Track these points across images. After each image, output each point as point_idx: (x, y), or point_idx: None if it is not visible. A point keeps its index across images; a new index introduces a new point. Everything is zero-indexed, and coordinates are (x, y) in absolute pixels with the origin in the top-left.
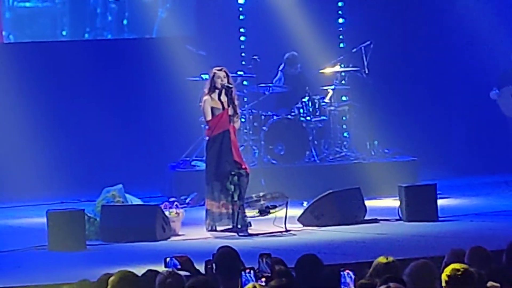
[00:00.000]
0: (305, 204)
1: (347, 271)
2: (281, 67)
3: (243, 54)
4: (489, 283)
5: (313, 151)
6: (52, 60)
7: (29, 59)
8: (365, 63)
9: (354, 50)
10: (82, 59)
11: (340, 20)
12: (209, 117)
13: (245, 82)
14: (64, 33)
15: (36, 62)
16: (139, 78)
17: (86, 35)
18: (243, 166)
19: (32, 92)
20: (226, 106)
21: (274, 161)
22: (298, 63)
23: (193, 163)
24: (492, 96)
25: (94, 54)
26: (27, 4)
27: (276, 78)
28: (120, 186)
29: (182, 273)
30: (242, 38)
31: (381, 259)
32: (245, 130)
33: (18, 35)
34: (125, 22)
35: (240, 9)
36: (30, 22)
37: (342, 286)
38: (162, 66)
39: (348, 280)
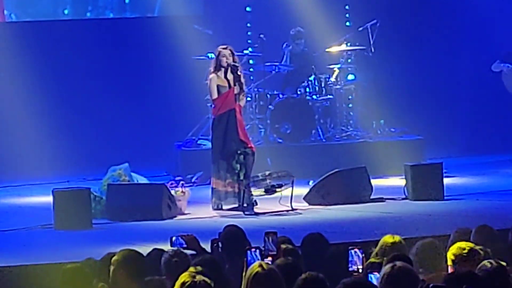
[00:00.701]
0: (311, 183)
1: (355, 249)
2: (285, 45)
3: (249, 33)
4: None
5: (319, 130)
6: (54, 39)
7: (31, 38)
8: (371, 41)
9: (361, 28)
10: (84, 38)
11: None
12: (215, 96)
13: (251, 61)
14: (66, 12)
15: (38, 41)
16: (143, 57)
17: (88, 14)
18: (249, 145)
19: (35, 71)
20: (232, 84)
21: (280, 140)
22: (302, 39)
23: (199, 142)
24: (494, 68)
25: (96, 33)
26: None
27: (283, 60)
28: (126, 165)
29: (188, 252)
30: (248, 17)
31: (388, 238)
32: (251, 109)
33: (20, 14)
34: (127, 1)
35: None
36: (32, 1)
37: (350, 264)
38: (165, 45)
39: (355, 258)
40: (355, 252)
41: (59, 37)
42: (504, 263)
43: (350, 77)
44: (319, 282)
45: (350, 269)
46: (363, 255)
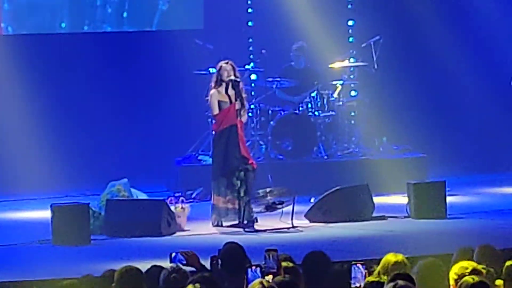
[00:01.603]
0: (312, 200)
1: (358, 264)
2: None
3: (251, 48)
4: (498, 281)
5: (321, 146)
6: (51, 52)
7: (28, 51)
8: (375, 58)
9: (364, 44)
10: (81, 51)
11: (350, 23)
12: (216, 111)
13: (253, 76)
14: (63, 25)
15: (35, 54)
16: (142, 71)
17: (85, 28)
18: (250, 161)
19: (33, 85)
20: (233, 100)
21: (281, 157)
22: (304, 54)
23: (199, 157)
24: None
25: (94, 46)
26: None
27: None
28: (126, 180)
29: (187, 268)
30: (249, 32)
31: (390, 257)
32: (252, 125)
33: (17, 27)
34: (125, 14)
35: (249, 2)
36: (29, 14)
37: (352, 281)
38: (166, 59)
39: (358, 274)
40: (358, 268)
41: (56, 50)
42: (485, 279)
43: (353, 93)
44: None
45: (353, 285)
46: (366, 271)
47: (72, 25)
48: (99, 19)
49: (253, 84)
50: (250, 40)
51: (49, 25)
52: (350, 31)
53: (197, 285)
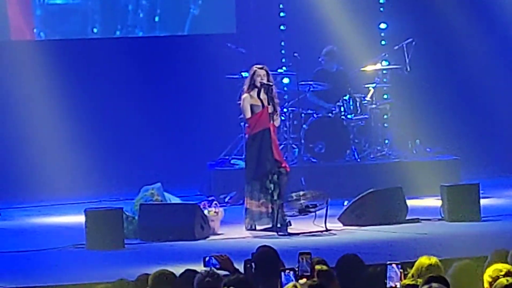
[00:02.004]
0: (345, 203)
1: (393, 265)
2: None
3: (283, 52)
4: None
5: (354, 149)
6: (83, 57)
7: (60, 57)
8: (407, 60)
9: (396, 47)
10: (114, 56)
11: (382, 26)
12: (248, 115)
13: (285, 80)
14: (95, 30)
15: (68, 59)
16: (175, 75)
17: (117, 33)
18: (283, 165)
19: (66, 90)
20: (266, 104)
21: (314, 160)
22: (335, 58)
23: (232, 161)
24: None
25: (126, 51)
26: (58, 1)
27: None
28: (159, 184)
29: (221, 272)
30: (282, 36)
31: (424, 259)
32: (285, 128)
33: (49, 33)
34: (156, 19)
35: (281, 6)
36: (61, 19)
37: (388, 281)
38: (198, 63)
39: (393, 274)
40: (393, 268)
41: (88, 55)
42: None
43: (386, 96)
44: None
45: (388, 285)
46: (401, 271)
47: (104, 30)
48: (131, 24)
49: (285, 88)
50: (282, 43)
51: (81, 30)
52: (382, 34)
53: None
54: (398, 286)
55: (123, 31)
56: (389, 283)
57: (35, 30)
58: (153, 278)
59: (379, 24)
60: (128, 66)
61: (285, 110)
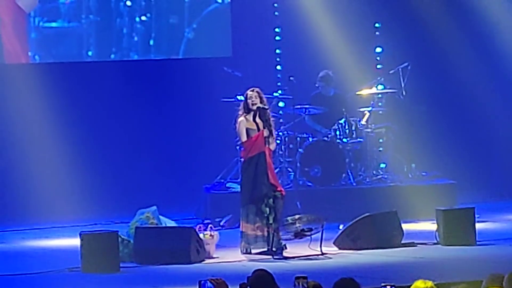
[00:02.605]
0: (341, 227)
1: (388, 286)
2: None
3: (279, 75)
4: None
5: (350, 173)
6: (78, 80)
7: (55, 80)
8: (403, 84)
9: (392, 71)
10: (108, 80)
11: (378, 50)
12: (244, 138)
13: (281, 103)
14: (90, 53)
15: (62, 82)
16: (170, 99)
17: (112, 56)
18: (279, 189)
19: (60, 114)
20: (261, 127)
21: (310, 184)
22: (331, 82)
23: (227, 185)
24: None
25: (121, 74)
26: (53, 24)
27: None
28: (154, 208)
29: None
30: (278, 59)
31: (420, 283)
32: (281, 152)
33: (44, 56)
34: (151, 42)
35: (277, 29)
36: (56, 43)
37: None
38: (193, 87)
39: None
40: None
41: (83, 78)
42: None
43: (381, 120)
44: None
45: None
46: None
47: (99, 53)
48: (126, 47)
49: (281, 112)
50: (278, 67)
51: (76, 53)
52: (378, 58)
53: None
54: None
55: (118, 54)
56: None
57: (29, 53)
58: None
59: (375, 48)
60: (123, 89)
61: (280, 133)
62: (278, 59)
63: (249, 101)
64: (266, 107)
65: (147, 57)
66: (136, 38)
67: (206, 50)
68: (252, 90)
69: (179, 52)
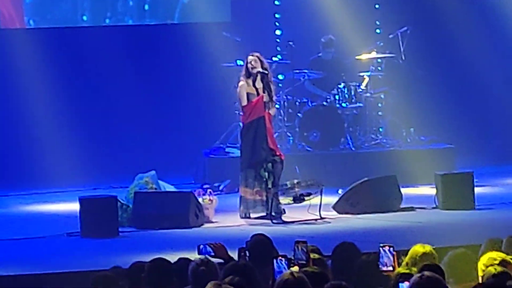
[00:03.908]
0: (340, 191)
1: (386, 247)
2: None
3: (278, 40)
4: None
5: (349, 138)
6: (73, 45)
7: (50, 45)
8: (402, 49)
9: (391, 36)
10: (103, 44)
11: (377, 6)
12: (244, 103)
13: (280, 68)
14: (84, 18)
15: (57, 47)
16: (168, 64)
17: (107, 21)
18: (278, 153)
19: (57, 79)
20: (261, 92)
21: (309, 148)
22: (333, 47)
23: (227, 149)
24: None
25: (115, 39)
26: None
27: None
28: (153, 172)
29: (215, 260)
30: (277, 24)
31: (418, 248)
32: (280, 117)
33: (39, 20)
34: (146, 7)
35: None
36: (51, 7)
37: (380, 265)
38: (193, 52)
39: (386, 258)
40: (385, 251)
41: (78, 43)
42: (507, 270)
43: (380, 84)
44: None
45: (381, 268)
46: (395, 253)
47: (93, 18)
48: (121, 12)
49: (280, 76)
50: (277, 32)
51: (71, 18)
52: (377, 22)
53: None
54: (391, 269)
55: (113, 19)
56: (381, 266)
57: (24, 18)
58: (149, 266)
59: (375, 11)
60: (122, 54)
61: (280, 98)
62: (277, 24)
63: (249, 65)
64: (266, 71)
65: (142, 22)
66: (131, 3)
67: (206, 15)
68: (252, 55)
69: (174, 17)
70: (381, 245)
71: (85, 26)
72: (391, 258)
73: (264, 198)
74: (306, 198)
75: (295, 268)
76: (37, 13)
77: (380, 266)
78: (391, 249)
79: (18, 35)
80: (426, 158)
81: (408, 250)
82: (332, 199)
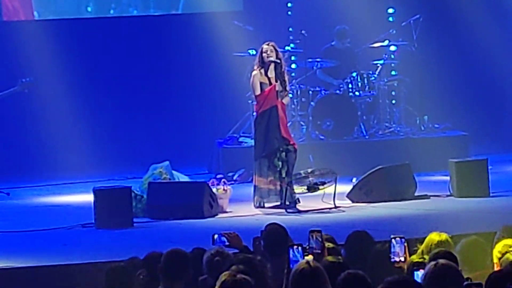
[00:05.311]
0: (354, 180)
1: (398, 238)
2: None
3: (290, 29)
4: None
5: (362, 126)
6: (78, 37)
7: (55, 36)
8: (415, 37)
9: (404, 24)
10: (107, 35)
11: (390, 2)
12: (258, 92)
13: (292, 57)
14: (89, 9)
15: (62, 38)
16: (182, 53)
17: (112, 12)
18: (291, 142)
19: (69, 70)
20: (273, 81)
21: (322, 137)
22: (348, 38)
23: (240, 139)
24: None
25: (119, 30)
26: None
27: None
28: (167, 163)
29: (230, 250)
30: (289, 13)
31: (434, 236)
32: (293, 106)
33: (43, 12)
34: None
35: None
36: None
37: (392, 255)
38: (204, 41)
39: (397, 249)
40: (397, 241)
41: (83, 35)
42: None
43: (393, 73)
44: (360, 279)
45: (392, 260)
46: (406, 244)
47: (98, 9)
48: (125, 3)
49: (293, 65)
50: (290, 21)
51: (75, 9)
52: (390, 10)
53: (240, 266)
54: (403, 260)
55: (117, 10)
56: (393, 257)
57: (30, 10)
58: (165, 257)
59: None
60: (129, 45)
61: (293, 87)
62: (289, 13)
63: (264, 54)
64: (278, 61)
65: (147, 13)
66: None
67: (218, 4)
68: (268, 44)
69: (178, 8)
70: (392, 236)
71: (90, 18)
72: (403, 249)
73: (278, 187)
74: (320, 187)
75: (310, 257)
76: (42, 5)
77: (391, 257)
78: (403, 239)
79: (22, 27)
80: (440, 145)
81: (423, 238)
82: (346, 188)
